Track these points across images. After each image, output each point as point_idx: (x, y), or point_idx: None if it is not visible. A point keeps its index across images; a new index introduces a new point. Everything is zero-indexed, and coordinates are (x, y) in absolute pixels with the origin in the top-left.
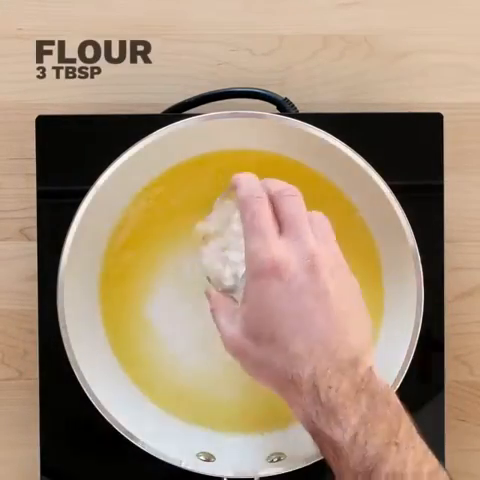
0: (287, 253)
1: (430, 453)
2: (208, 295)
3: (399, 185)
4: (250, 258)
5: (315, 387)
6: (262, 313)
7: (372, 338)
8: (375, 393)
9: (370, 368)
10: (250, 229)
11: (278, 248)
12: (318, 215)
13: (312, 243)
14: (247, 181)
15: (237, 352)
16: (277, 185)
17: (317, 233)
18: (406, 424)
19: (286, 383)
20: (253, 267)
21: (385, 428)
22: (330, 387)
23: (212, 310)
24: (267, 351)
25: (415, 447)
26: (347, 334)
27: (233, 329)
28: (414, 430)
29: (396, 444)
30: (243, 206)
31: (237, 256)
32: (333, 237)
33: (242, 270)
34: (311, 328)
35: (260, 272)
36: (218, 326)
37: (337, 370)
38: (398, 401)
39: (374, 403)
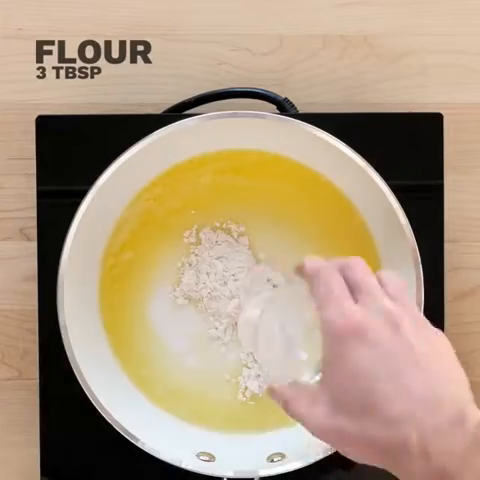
0: (367, 316)
1: None
2: (273, 392)
3: (399, 185)
4: (329, 327)
5: (426, 453)
6: (350, 382)
7: (469, 390)
8: None
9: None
10: (325, 299)
11: (357, 313)
12: (387, 275)
13: (389, 304)
14: (310, 259)
15: (331, 436)
16: (340, 260)
17: (391, 293)
18: None
19: (393, 454)
20: (333, 336)
21: None
22: (442, 450)
23: (286, 404)
24: (364, 423)
25: None
26: (447, 386)
27: (319, 412)
28: None
29: None
30: (314, 279)
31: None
32: (406, 294)
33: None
34: (407, 388)
35: (341, 339)
36: (299, 418)
37: (446, 427)
38: None
39: None
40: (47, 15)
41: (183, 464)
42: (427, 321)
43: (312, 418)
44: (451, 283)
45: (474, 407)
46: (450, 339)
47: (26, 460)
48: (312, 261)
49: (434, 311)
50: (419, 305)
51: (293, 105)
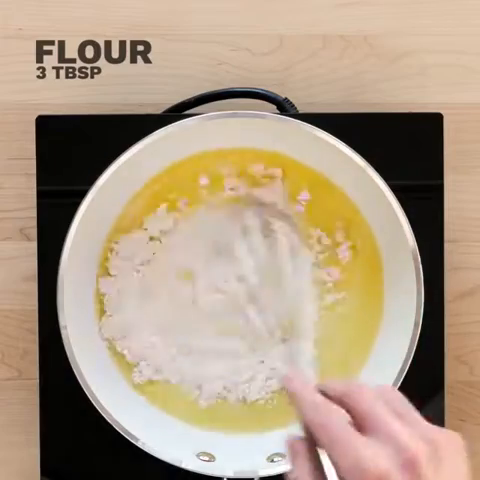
0: (384, 458)
1: None
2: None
3: (399, 185)
4: (349, 472)
5: None
6: None
7: None
8: None
9: None
10: (331, 443)
11: (373, 453)
12: (391, 392)
13: (405, 437)
14: (301, 389)
15: None
16: (340, 385)
17: (402, 415)
18: None
19: None
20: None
21: None
22: None
23: None
24: None
25: None
26: None
27: None
28: None
29: None
30: (311, 422)
31: None
32: (415, 412)
33: None
34: None
35: None
36: None
37: None
38: None
39: None
40: (47, 15)
41: (183, 464)
42: (437, 429)
43: None
44: (451, 283)
45: None
46: (450, 339)
47: (26, 460)
48: (298, 393)
49: (434, 311)
50: (419, 306)
51: (293, 105)
